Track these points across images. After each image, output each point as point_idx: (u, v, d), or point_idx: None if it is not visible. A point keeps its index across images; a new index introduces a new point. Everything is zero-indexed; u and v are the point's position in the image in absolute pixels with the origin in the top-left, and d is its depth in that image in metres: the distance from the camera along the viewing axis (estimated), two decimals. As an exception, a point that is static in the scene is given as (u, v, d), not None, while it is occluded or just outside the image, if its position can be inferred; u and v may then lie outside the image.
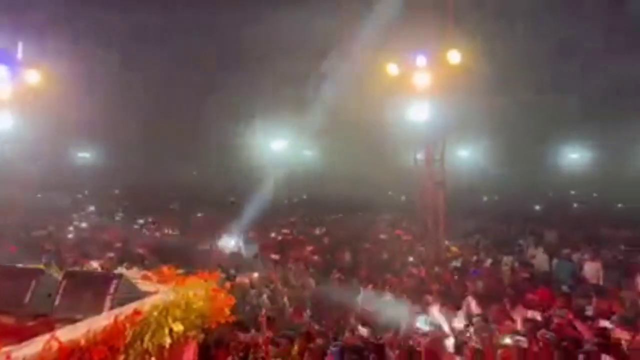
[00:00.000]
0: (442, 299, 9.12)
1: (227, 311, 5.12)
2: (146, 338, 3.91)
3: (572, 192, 37.62)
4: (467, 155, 34.95)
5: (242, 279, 9.87)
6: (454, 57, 11.87)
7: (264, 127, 31.09)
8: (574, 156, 35.72)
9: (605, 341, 6.84)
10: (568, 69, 22.91)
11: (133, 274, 5.01)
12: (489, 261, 13.38)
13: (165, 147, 32.33)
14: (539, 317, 8.11)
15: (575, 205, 34.58)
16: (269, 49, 25.59)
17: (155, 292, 4.50)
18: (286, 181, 31.21)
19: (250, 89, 28.99)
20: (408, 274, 10.91)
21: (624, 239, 18.43)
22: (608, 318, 7.86)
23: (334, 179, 32.17)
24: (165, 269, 5.24)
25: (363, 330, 7.56)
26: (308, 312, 8.69)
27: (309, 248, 14.67)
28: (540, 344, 7.02)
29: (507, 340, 6.86)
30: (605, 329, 7.40)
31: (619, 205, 33.57)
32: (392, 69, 12.75)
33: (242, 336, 7.11)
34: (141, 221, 20.02)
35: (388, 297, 9.41)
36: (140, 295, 4.26)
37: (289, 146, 33.30)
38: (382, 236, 17.09)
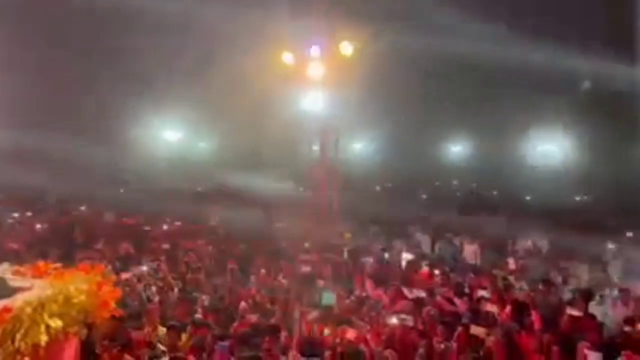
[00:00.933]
0: (335, 282, 9.46)
1: (112, 305, 4.90)
2: (18, 336, 3.64)
3: (455, 182, 40.40)
4: (362, 147, 36.31)
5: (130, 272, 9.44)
6: (346, 48, 12.22)
7: (157, 119, 29.91)
8: (457, 148, 38.40)
9: (477, 314, 7.56)
10: (449, 62, 24.30)
11: (2, 270, 4.60)
12: (380, 246, 14.02)
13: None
14: (423, 295, 8.72)
15: (457, 193, 37.19)
16: (158, 38, 24.47)
17: (29, 288, 4.20)
18: (182, 172, 30.34)
19: (140, 79, 27.58)
20: (301, 259, 11.15)
21: (500, 223, 20.25)
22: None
23: (231, 169, 31.78)
24: (41, 263, 4.90)
25: (252, 316, 7.61)
26: (203, 302, 8.52)
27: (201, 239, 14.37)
28: (425, 320, 7.58)
29: (394, 320, 7.26)
30: (479, 302, 8.16)
31: (494, 192, 36.69)
32: (288, 58, 12.85)
33: (133, 333, 6.81)
34: (16, 215, 18.33)
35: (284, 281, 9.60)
36: (11, 291, 3.95)
37: (185, 138, 32.41)
38: (279, 225, 17.22)
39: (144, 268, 9.82)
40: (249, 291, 9.00)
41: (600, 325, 7.57)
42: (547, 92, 27.58)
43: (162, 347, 6.30)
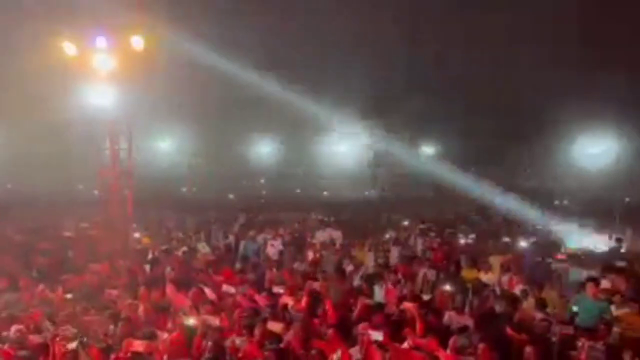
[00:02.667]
0: (130, 291, 8.81)
1: None
2: None
3: (262, 181, 41.40)
4: (165, 146, 34.79)
5: None
6: (137, 42, 11.52)
7: None
8: (265, 149, 39.26)
9: (276, 307, 7.78)
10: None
11: None
12: (182, 249, 13.54)
13: None
14: (232, 291, 8.65)
15: (263, 192, 38.19)
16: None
17: None
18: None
19: None
20: (90, 270, 10.15)
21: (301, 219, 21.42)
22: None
23: (18, 170, 27.76)
24: None
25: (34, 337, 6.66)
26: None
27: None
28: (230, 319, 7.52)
29: (191, 321, 7.03)
30: (277, 296, 8.40)
31: (297, 190, 38.61)
32: (70, 48, 11.59)
33: None
34: None
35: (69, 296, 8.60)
36: None
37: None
38: (67, 233, 15.49)
39: None
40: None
41: (382, 305, 8.37)
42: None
43: None
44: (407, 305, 7.24)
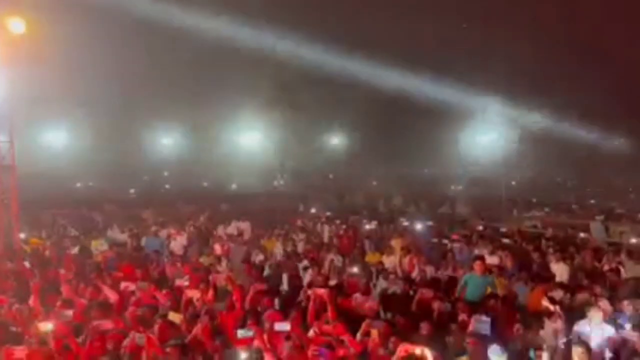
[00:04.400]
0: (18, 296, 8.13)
1: None
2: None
3: (165, 174, 39.86)
4: (56, 138, 32.11)
5: None
6: (17, 26, 10.55)
7: None
8: (167, 140, 37.68)
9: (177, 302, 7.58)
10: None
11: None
12: (76, 248, 12.74)
13: None
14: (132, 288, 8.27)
15: (167, 186, 36.81)
16: None
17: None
18: None
19: None
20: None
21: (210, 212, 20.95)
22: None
23: None
24: None
25: None
26: None
27: None
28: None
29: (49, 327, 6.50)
30: (180, 290, 8.19)
31: (205, 184, 37.71)
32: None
33: None
34: None
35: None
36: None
37: None
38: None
39: None
40: None
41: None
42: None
43: None
44: (319, 291, 7.36)
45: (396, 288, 9.16)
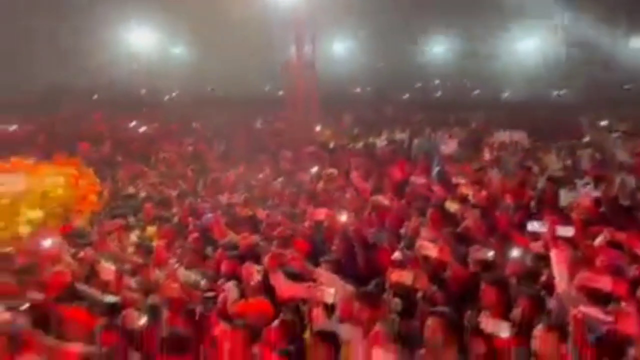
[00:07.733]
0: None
1: (93, 198, 4.98)
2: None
3: (437, 82, 39.93)
4: (342, 48, 35.29)
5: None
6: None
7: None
8: (439, 47, 37.41)
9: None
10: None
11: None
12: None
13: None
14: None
15: (439, 93, 36.92)
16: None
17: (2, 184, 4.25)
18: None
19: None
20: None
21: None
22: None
23: (206, 76, 30.97)
24: (14, 159, 4.91)
25: None
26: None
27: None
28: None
29: None
30: (456, 187, 8.44)
31: (477, 91, 36.57)
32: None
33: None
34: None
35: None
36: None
37: (155, 42, 31.10)
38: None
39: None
40: None
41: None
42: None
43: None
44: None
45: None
